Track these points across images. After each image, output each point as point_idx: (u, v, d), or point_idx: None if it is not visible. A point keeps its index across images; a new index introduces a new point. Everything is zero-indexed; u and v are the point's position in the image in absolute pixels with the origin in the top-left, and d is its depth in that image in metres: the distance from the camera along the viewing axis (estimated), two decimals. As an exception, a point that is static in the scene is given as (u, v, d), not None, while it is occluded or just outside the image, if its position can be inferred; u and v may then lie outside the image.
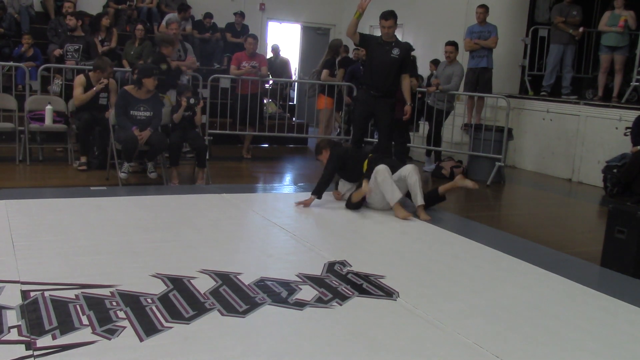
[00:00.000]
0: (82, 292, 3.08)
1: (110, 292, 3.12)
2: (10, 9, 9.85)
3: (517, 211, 6.82)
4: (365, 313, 3.11)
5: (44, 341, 2.55)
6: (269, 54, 11.43)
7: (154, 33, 10.14)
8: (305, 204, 5.37)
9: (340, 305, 3.18)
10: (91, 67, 7.05)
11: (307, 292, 3.31)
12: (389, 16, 6.23)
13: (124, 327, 2.73)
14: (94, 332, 2.66)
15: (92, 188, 5.69)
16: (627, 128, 7.30)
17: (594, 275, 4.16)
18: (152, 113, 6.27)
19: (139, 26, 8.76)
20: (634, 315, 3.34)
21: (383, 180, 5.10)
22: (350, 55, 9.93)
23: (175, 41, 7.84)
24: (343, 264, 3.83)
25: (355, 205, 5.27)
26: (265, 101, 9.03)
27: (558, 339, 2.94)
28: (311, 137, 10.05)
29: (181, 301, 3.07)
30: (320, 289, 3.37)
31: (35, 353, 2.45)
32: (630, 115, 7.40)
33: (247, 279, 3.44)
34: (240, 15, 11.36)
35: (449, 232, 4.85)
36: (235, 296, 3.18)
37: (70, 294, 3.06)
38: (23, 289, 3.09)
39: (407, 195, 5.33)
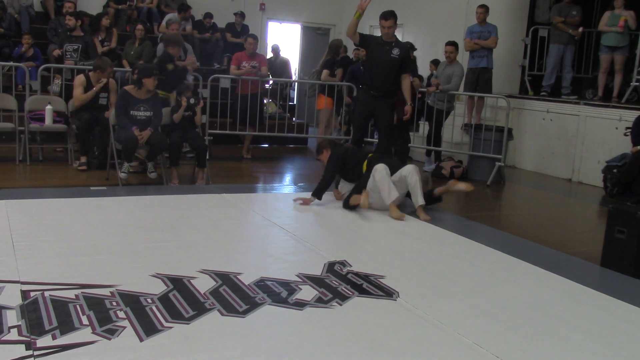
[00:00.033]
0: (82, 292, 3.08)
1: (110, 292, 3.12)
2: (10, 9, 9.84)
3: (517, 211, 6.82)
4: (365, 313, 3.11)
5: (44, 341, 2.55)
6: (269, 54, 11.43)
7: (154, 33, 10.15)
8: (305, 202, 5.40)
9: (340, 305, 3.18)
10: (91, 67, 7.06)
11: (307, 292, 3.31)
12: (389, 16, 6.23)
13: (124, 327, 2.73)
14: (94, 332, 2.66)
15: (92, 188, 5.69)
16: (627, 128, 7.30)
17: (594, 275, 4.16)
18: (152, 113, 6.27)
19: (139, 26, 8.77)
20: (634, 315, 3.34)
21: (380, 180, 5.10)
22: (350, 55, 9.93)
23: (181, 41, 7.85)
24: (343, 264, 3.83)
25: (353, 207, 5.28)
26: (265, 101, 9.02)
27: (558, 339, 2.94)
28: (311, 137, 10.06)
29: (181, 301, 3.07)
30: (320, 289, 3.37)
31: (35, 353, 2.45)
32: (630, 115, 7.40)
33: (247, 279, 3.44)
34: (241, 15, 11.36)
35: (449, 232, 4.85)
36: (235, 296, 3.18)
37: (70, 294, 3.06)
38: (23, 289, 3.09)
39: (408, 195, 5.33)
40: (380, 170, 5.13)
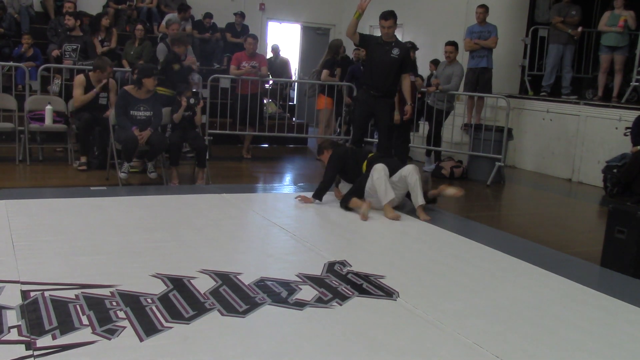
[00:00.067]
0: (82, 292, 3.08)
1: (110, 292, 3.12)
2: (10, 9, 9.85)
3: (517, 211, 6.83)
4: (365, 313, 3.11)
5: (44, 341, 2.55)
6: (269, 54, 11.43)
7: (153, 33, 10.16)
8: (306, 200, 5.44)
9: (340, 305, 3.18)
10: (91, 67, 7.06)
11: (307, 292, 3.31)
12: (389, 16, 6.23)
13: (124, 327, 2.73)
14: (94, 332, 2.66)
15: (92, 188, 5.69)
16: (627, 128, 7.30)
17: (594, 275, 4.16)
18: (152, 113, 6.27)
19: (139, 26, 8.77)
20: (634, 315, 3.34)
21: (378, 179, 5.11)
22: (351, 55, 9.93)
23: (188, 40, 7.85)
24: (343, 264, 3.83)
25: (347, 207, 5.29)
26: (265, 101, 9.03)
27: (558, 339, 2.94)
28: (311, 137, 10.07)
29: (181, 301, 3.07)
30: (320, 289, 3.37)
31: (35, 353, 2.45)
32: (630, 115, 7.40)
33: (247, 279, 3.44)
34: (241, 15, 11.36)
35: (449, 232, 4.85)
36: (235, 296, 3.18)
37: (70, 294, 3.06)
38: (23, 289, 3.09)
39: (408, 195, 5.33)
40: (378, 170, 5.14)
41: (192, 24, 10.53)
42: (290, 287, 3.36)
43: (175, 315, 2.90)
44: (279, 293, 3.27)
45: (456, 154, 8.36)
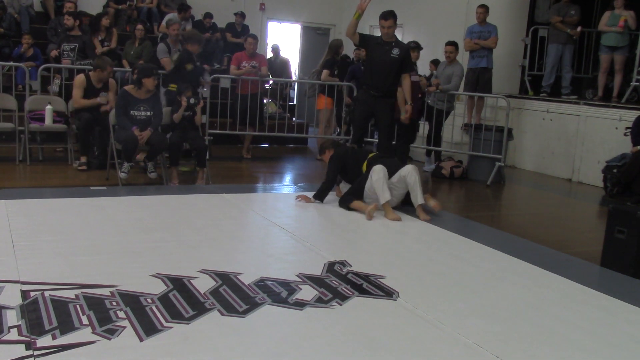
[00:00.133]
0: (82, 292, 3.08)
1: (110, 292, 3.12)
2: (10, 9, 9.85)
3: (517, 211, 6.82)
4: (365, 313, 3.11)
5: (44, 341, 2.55)
6: (269, 54, 11.43)
7: (154, 33, 10.16)
8: (307, 200, 5.46)
9: (340, 305, 3.18)
10: (91, 67, 7.06)
11: (307, 292, 3.31)
12: (389, 16, 6.23)
13: (124, 327, 2.73)
14: (94, 332, 2.66)
15: (92, 188, 5.69)
16: (627, 128, 7.30)
17: (594, 275, 4.16)
18: (152, 113, 6.27)
19: (139, 26, 8.77)
20: (634, 315, 3.34)
21: (377, 180, 5.11)
22: (351, 55, 9.93)
23: (202, 39, 7.80)
24: (343, 264, 3.83)
25: (348, 207, 5.29)
26: (265, 101, 9.03)
27: (558, 339, 2.94)
28: (311, 137, 10.06)
29: (181, 301, 3.07)
30: (320, 289, 3.37)
31: (35, 353, 2.45)
32: (630, 115, 7.40)
33: (247, 279, 3.44)
34: (241, 15, 11.36)
35: (449, 232, 4.85)
36: (235, 296, 3.18)
37: (70, 294, 3.06)
38: (23, 289, 3.09)
39: (407, 195, 5.33)
40: (377, 171, 5.14)
41: (192, 24, 10.51)
42: (290, 287, 3.36)
43: (175, 315, 2.90)
44: (279, 293, 3.27)
45: (456, 154, 8.36)
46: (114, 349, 2.54)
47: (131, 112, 6.20)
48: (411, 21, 10.96)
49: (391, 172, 5.22)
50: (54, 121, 7.05)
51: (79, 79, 6.90)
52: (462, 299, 3.39)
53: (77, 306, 2.92)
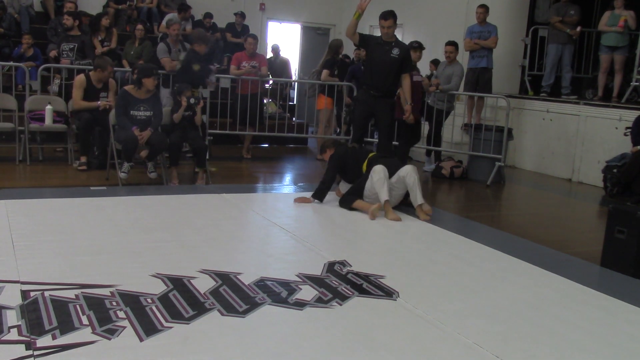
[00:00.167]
0: (82, 292, 3.08)
1: (110, 292, 3.12)
2: (10, 9, 9.85)
3: (517, 211, 6.82)
4: (365, 313, 3.11)
5: (44, 341, 2.55)
6: (269, 54, 11.43)
7: (154, 33, 10.15)
8: (304, 201, 5.46)
9: (340, 305, 3.18)
10: (91, 67, 7.05)
11: (307, 292, 3.31)
12: (388, 16, 6.23)
13: (124, 327, 2.73)
14: (94, 332, 2.67)
15: (92, 188, 5.69)
16: (627, 128, 7.30)
17: (594, 275, 4.16)
18: (152, 113, 6.27)
19: (139, 26, 8.77)
20: (634, 315, 3.34)
21: (378, 180, 5.11)
22: (351, 55, 9.93)
23: (209, 39, 7.77)
24: (343, 264, 3.83)
25: (350, 208, 5.29)
26: (265, 101, 9.02)
27: (558, 339, 2.94)
28: (311, 137, 10.06)
29: (181, 301, 3.07)
30: (320, 289, 3.37)
31: (35, 353, 2.45)
32: (630, 115, 7.40)
33: (247, 279, 3.44)
34: (241, 15, 11.36)
35: (449, 232, 4.85)
36: (235, 296, 3.18)
37: (70, 294, 3.06)
38: (23, 289, 3.09)
39: (406, 195, 5.34)
40: (378, 171, 5.14)
41: (192, 24, 10.52)
42: (290, 287, 3.36)
43: (175, 315, 2.90)
44: (279, 293, 3.27)
45: (456, 154, 8.36)
46: (114, 349, 2.54)
47: (131, 112, 6.19)
48: (411, 21, 10.96)
49: (391, 172, 5.22)
50: (54, 121, 7.04)
51: (79, 79, 6.89)
52: (462, 299, 3.39)
53: (77, 306, 2.92)
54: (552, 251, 4.60)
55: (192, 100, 6.46)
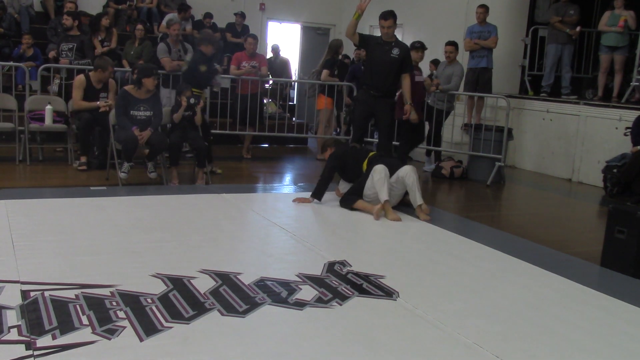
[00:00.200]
0: (82, 292, 3.08)
1: (110, 292, 3.12)
2: (10, 9, 9.85)
3: (517, 211, 6.82)
4: (365, 313, 3.11)
5: (44, 341, 2.55)
6: (269, 54, 11.43)
7: (154, 33, 10.15)
8: (303, 202, 5.46)
9: (340, 305, 3.18)
10: (91, 67, 7.05)
11: (307, 292, 3.31)
12: (388, 16, 6.23)
13: (124, 327, 2.73)
14: (94, 332, 2.66)
15: (92, 188, 5.69)
16: (627, 128, 7.30)
17: (594, 275, 4.16)
18: (152, 113, 6.27)
19: (139, 26, 8.76)
20: (634, 315, 3.34)
21: (378, 180, 5.11)
22: (352, 55, 9.93)
23: (216, 40, 7.72)
24: (343, 264, 3.83)
25: (351, 208, 5.28)
26: (265, 101, 9.02)
27: (558, 339, 2.94)
28: (311, 137, 10.06)
29: (181, 301, 3.07)
30: (320, 289, 3.37)
31: (35, 353, 2.45)
32: (630, 115, 7.40)
33: (247, 279, 3.44)
34: (241, 15, 11.35)
35: (449, 232, 4.85)
36: (235, 296, 3.18)
37: (70, 294, 3.06)
38: (23, 289, 3.09)
39: (405, 195, 5.34)
40: (379, 171, 5.13)
41: (192, 24, 10.51)
42: (290, 287, 3.36)
43: (175, 315, 2.90)
44: (279, 293, 3.27)
45: (456, 154, 8.36)
46: (114, 349, 2.54)
47: (131, 112, 6.19)
48: (411, 21, 10.95)
49: (391, 172, 5.21)
50: (54, 121, 7.04)
51: (79, 79, 6.89)
52: (462, 299, 3.39)
53: (77, 306, 2.92)
54: (552, 251, 4.60)
55: (192, 100, 6.45)
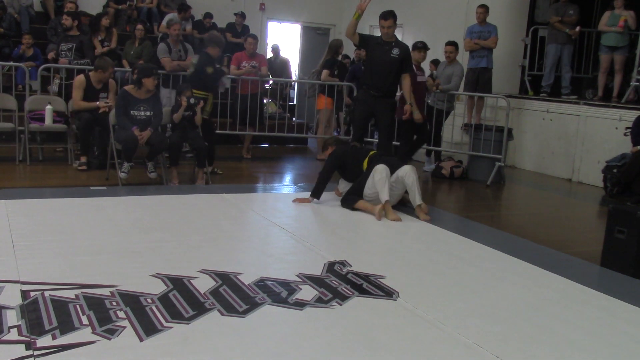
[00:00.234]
0: (82, 292, 3.08)
1: (110, 292, 3.12)
2: (10, 9, 9.85)
3: (517, 211, 6.82)
4: (365, 313, 3.11)
5: (44, 341, 2.55)
6: (269, 54, 11.43)
7: (154, 33, 10.15)
8: (303, 201, 5.46)
9: (340, 305, 3.18)
10: (91, 67, 7.05)
11: (307, 292, 3.31)
12: (388, 16, 6.23)
13: (124, 327, 2.73)
14: (94, 332, 2.66)
15: (92, 188, 5.69)
16: (627, 128, 7.30)
17: (594, 275, 4.16)
18: (152, 113, 6.27)
19: (139, 26, 8.77)
20: (634, 315, 3.34)
21: (379, 180, 5.11)
22: (352, 55, 9.93)
23: (223, 42, 7.71)
24: (343, 264, 3.83)
25: (352, 208, 5.28)
26: (265, 101, 9.03)
27: (558, 339, 2.94)
28: (311, 137, 10.06)
29: (181, 301, 3.07)
30: (320, 289, 3.37)
31: (35, 353, 2.45)
32: (630, 115, 7.40)
33: (247, 279, 3.44)
34: (241, 15, 11.35)
35: (449, 232, 4.85)
36: (235, 296, 3.18)
37: (70, 294, 3.06)
38: (23, 289, 3.09)
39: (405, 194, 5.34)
40: (380, 170, 5.13)
41: (192, 24, 10.52)
42: (290, 287, 3.36)
43: (175, 315, 2.90)
44: (279, 293, 3.27)
45: (456, 154, 8.36)
46: (114, 349, 2.54)
47: (131, 112, 6.19)
48: (411, 21, 10.96)
49: (391, 172, 5.21)
50: (54, 121, 7.04)
51: (79, 79, 6.89)
52: (462, 299, 3.39)
53: (77, 306, 2.92)
54: (552, 251, 4.60)
55: (192, 100, 6.46)
